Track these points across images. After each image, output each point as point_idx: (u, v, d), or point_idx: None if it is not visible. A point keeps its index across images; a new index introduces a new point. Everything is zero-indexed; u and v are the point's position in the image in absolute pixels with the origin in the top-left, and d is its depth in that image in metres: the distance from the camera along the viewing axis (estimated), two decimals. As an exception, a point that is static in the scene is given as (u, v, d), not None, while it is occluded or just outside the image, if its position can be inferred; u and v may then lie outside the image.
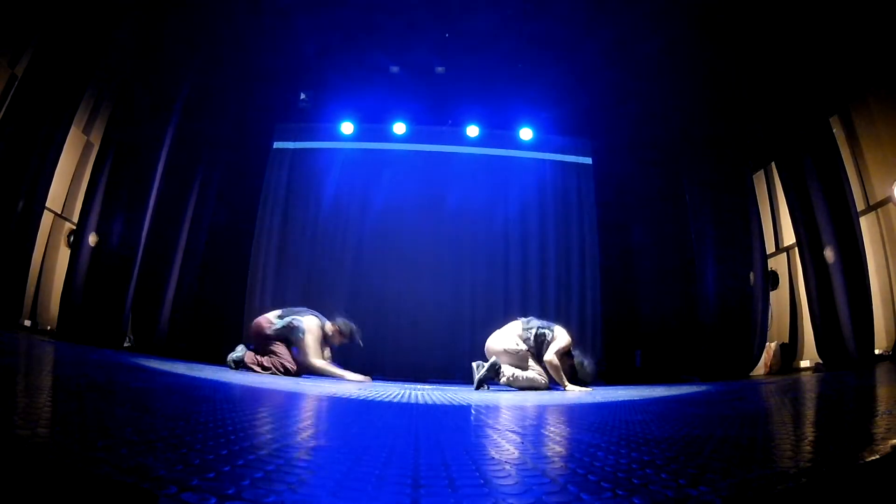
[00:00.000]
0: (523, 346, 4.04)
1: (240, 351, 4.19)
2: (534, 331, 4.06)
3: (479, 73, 6.11)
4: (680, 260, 5.88)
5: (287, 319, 4.23)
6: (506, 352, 4.06)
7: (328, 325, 4.31)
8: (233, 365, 4.10)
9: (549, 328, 4.08)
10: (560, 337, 4.04)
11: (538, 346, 4.05)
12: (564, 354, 4.02)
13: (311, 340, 4.08)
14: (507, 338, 4.11)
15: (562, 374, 3.95)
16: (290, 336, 4.19)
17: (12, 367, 2.01)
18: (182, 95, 5.58)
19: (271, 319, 4.30)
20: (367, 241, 6.40)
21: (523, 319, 4.20)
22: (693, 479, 0.81)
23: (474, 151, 6.85)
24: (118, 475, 0.68)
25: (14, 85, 4.36)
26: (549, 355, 3.96)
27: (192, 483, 0.68)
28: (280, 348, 4.16)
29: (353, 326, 4.36)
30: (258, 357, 4.12)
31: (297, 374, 4.13)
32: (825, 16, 4.20)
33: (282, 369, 4.07)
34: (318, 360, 4.11)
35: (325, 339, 4.27)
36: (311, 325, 4.16)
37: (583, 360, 4.06)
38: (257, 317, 5.10)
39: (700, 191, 5.66)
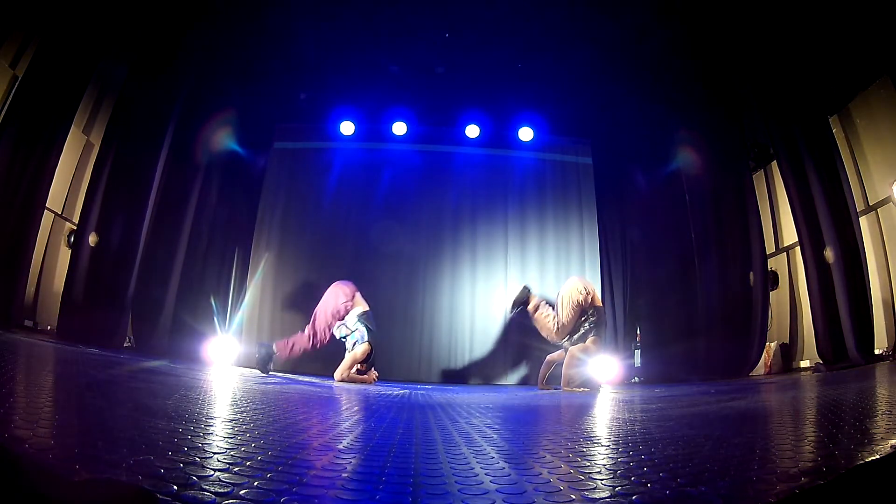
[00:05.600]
0: (586, 299, 4.14)
1: (263, 350, 4.28)
2: (588, 323, 4.11)
3: (479, 73, 6.10)
4: (680, 260, 5.87)
5: (358, 328, 4.40)
6: (572, 290, 4.18)
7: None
8: (263, 366, 4.20)
9: (592, 333, 4.11)
10: (592, 344, 4.07)
11: (575, 331, 4.12)
12: (580, 357, 4.06)
13: (353, 359, 4.29)
14: (585, 287, 4.21)
15: (572, 372, 3.99)
16: (346, 338, 4.40)
17: (12, 366, 2.00)
18: (182, 95, 5.58)
19: (345, 312, 4.44)
20: (366, 240, 6.39)
21: (603, 308, 4.24)
22: (692, 478, 0.81)
23: (474, 151, 6.84)
24: (118, 475, 0.68)
25: (14, 85, 4.36)
26: (576, 347, 4.01)
27: (191, 483, 0.68)
28: (324, 322, 4.34)
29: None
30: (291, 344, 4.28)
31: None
32: (825, 14, 4.20)
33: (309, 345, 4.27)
34: (349, 372, 4.29)
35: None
36: (364, 349, 4.33)
37: (588, 377, 4.07)
38: (257, 314, 5.17)
39: (700, 191, 5.66)
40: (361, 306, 4.50)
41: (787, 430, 1.44)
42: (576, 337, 4.11)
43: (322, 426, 1.45)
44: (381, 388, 3.61)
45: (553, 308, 4.30)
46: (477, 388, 4.15)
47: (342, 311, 4.40)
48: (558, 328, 4.16)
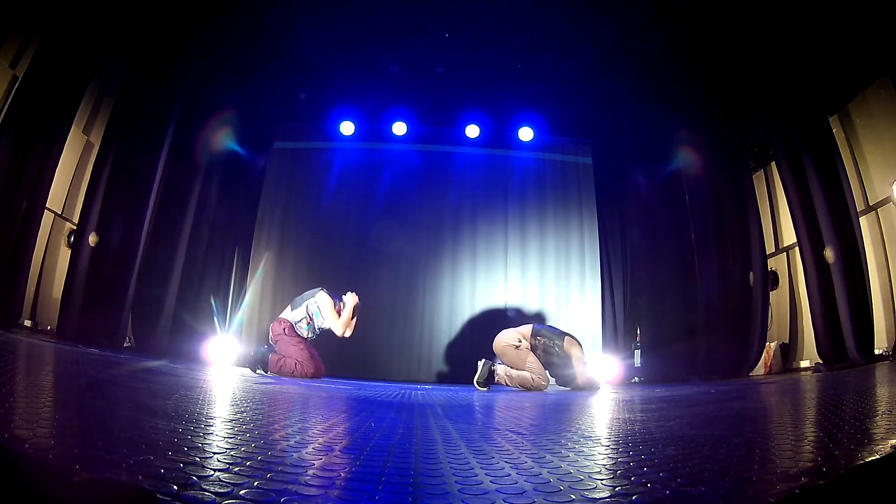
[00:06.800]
0: (525, 343, 4.06)
1: (259, 352, 4.25)
2: (543, 340, 4.10)
3: (479, 73, 6.10)
4: (680, 260, 5.87)
5: (302, 307, 4.39)
6: (506, 347, 4.09)
7: (330, 301, 4.43)
8: (259, 369, 4.15)
9: (559, 339, 4.10)
10: (574, 350, 4.07)
11: (546, 356, 4.08)
12: (578, 357, 4.06)
13: (328, 311, 4.32)
14: (512, 335, 4.14)
15: (569, 373, 4.00)
16: (313, 319, 4.37)
17: (12, 367, 2.00)
18: (182, 95, 5.58)
19: (287, 317, 4.42)
20: (366, 240, 6.40)
21: (537, 326, 4.23)
22: (692, 478, 0.81)
23: (474, 151, 6.84)
24: (118, 475, 0.68)
25: (14, 85, 4.36)
26: (580, 369, 4.01)
27: (191, 483, 0.68)
28: (293, 349, 4.19)
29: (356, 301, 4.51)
30: (278, 360, 4.17)
31: (314, 375, 4.17)
32: (825, 14, 4.20)
33: (297, 372, 4.10)
34: (340, 322, 4.32)
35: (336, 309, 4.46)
36: (322, 300, 4.36)
37: (589, 377, 4.08)
38: (258, 314, 5.12)
39: (700, 191, 5.66)
40: (287, 311, 4.48)
41: (787, 430, 1.44)
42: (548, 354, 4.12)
43: (322, 426, 1.45)
44: (378, 389, 3.60)
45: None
46: (477, 388, 4.14)
47: (287, 334, 4.31)
48: (530, 372, 4.00)
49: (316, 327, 4.40)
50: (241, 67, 5.93)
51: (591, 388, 3.99)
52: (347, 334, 4.37)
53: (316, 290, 4.47)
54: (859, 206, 4.34)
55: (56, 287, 4.95)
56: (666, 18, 4.92)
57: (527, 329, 4.20)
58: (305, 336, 4.40)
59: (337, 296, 4.47)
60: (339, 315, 4.36)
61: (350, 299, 4.42)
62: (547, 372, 4.12)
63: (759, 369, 4.96)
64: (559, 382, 4.17)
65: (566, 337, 4.15)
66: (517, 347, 4.05)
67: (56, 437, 0.85)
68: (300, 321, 4.37)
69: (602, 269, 6.51)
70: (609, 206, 6.77)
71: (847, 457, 0.92)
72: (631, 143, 6.55)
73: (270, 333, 4.43)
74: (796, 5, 4.31)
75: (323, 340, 4.58)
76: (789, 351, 5.12)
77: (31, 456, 0.72)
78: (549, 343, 4.09)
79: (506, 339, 4.15)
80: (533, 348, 4.08)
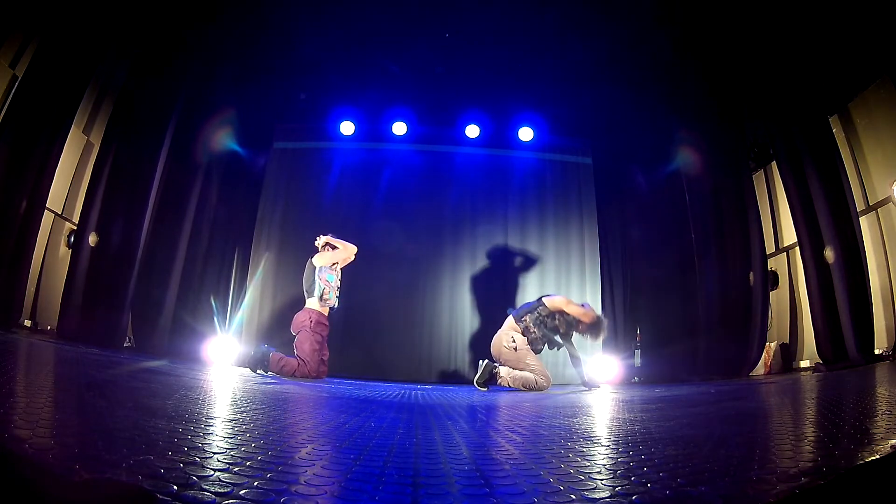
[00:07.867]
0: (521, 341, 4.05)
1: (260, 352, 4.14)
2: (527, 318, 4.08)
3: (479, 73, 6.10)
4: (680, 260, 5.88)
5: (316, 281, 4.34)
6: (503, 349, 4.09)
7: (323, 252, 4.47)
8: (259, 369, 4.07)
9: (539, 306, 4.10)
10: (557, 301, 4.09)
11: (543, 329, 4.07)
12: (578, 356, 4.08)
13: (329, 257, 4.37)
14: (506, 335, 4.14)
15: (579, 370, 4.02)
16: (328, 282, 4.35)
17: (12, 367, 2.01)
18: (182, 95, 5.57)
19: (313, 306, 4.32)
20: (367, 240, 6.38)
21: (513, 313, 4.21)
22: (692, 478, 0.81)
23: (474, 151, 6.84)
24: (118, 475, 0.68)
25: (14, 85, 4.36)
26: (576, 311, 4.03)
27: (191, 483, 0.68)
28: (307, 346, 4.13)
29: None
30: (279, 360, 4.08)
31: (315, 377, 4.11)
32: (825, 15, 4.20)
33: (297, 373, 4.03)
34: (342, 250, 4.41)
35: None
36: (320, 259, 4.37)
37: (589, 376, 4.12)
38: (257, 314, 5.10)
39: (700, 191, 5.66)
40: (310, 300, 4.40)
41: (787, 430, 1.44)
42: (556, 339, 4.12)
43: (322, 426, 1.45)
44: (378, 389, 3.60)
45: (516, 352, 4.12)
46: (477, 389, 4.14)
47: (312, 328, 4.20)
48: (532, 372, 3.96)
49: (334, 287, 4.39)
50: (241, 67, 5.93)
51: (599, 326, 4.02)
52: (355, 248, 4.47)
53: (307, 265, 4.41)
54: (859, 206, 4.34)
55: (56, 287, 4.95)
56: (666, 18, 4.92)
57: (510, 321, 4.19)
58: (332, 303, 4.34)
59: (316, 249, 4.49)
60: (335, 250, 4.43)
61: (325, 238, 4.46)
62: (549, 363, 4.15)
63: (759, 369, 4.96)
64: (575, 348, 4.17)
65: (542, 298, 4.14)
66: (515, 348, 4.05)
67: (56, 437, 0.85)
68: (322, 293, 4.32)
69: (602, 269, 6.51)
70: (609, 206, 6.77)
71: (847, 457, 0.92)
72: (631, 143, 6.54)
73: (293, 322, 4.32)
74: (796, 5, 4.31)
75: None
76: (789, 351, 5.12)
77: (31, 456, 0.72)
78: (535, 317, 4.06)
79: (501, 341, 4.15)
80: (525, 333, 4.06)
